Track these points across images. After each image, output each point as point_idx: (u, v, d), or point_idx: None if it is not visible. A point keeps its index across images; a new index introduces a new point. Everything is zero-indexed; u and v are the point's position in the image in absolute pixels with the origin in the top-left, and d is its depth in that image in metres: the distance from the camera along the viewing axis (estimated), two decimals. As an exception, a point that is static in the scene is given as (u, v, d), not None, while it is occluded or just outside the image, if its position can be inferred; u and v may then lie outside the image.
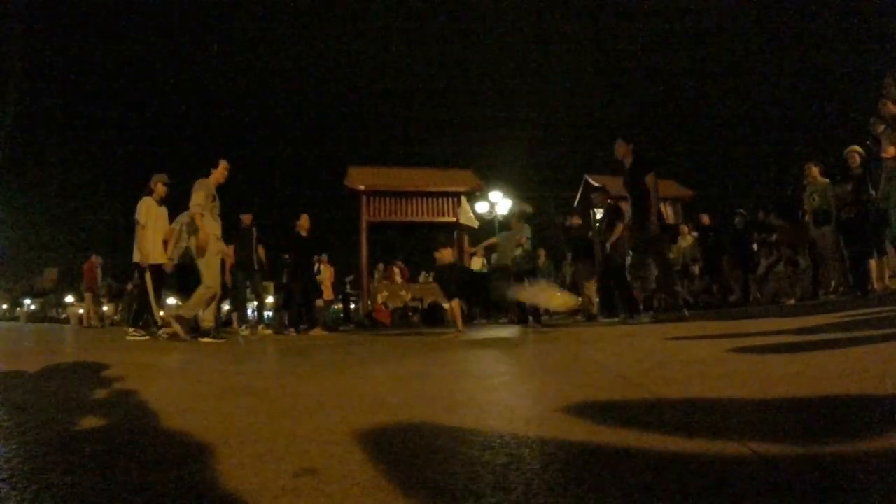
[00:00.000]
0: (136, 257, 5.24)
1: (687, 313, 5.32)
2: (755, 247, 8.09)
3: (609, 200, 6.63)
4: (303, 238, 6.94)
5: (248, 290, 7.58)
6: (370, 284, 11.98)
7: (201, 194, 4.64)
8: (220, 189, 4.92)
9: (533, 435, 1.00)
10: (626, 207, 5.65)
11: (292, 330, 6.58)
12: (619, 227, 6.03)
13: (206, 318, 4.83)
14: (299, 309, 6.93)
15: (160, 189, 5.31)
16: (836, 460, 0.77)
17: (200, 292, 4.67)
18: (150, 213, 5.23)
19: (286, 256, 7.07)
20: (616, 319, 5.95)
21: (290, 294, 6.99)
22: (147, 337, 5.03)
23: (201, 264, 4.66)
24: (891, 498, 0.64)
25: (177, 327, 4.74)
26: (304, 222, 6.96)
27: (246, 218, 7.13)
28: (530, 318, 6.21)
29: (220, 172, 4.90)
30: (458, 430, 1.07)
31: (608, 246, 6.06)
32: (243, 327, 7.27)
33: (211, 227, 4.68)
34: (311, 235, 7.09)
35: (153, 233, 5.22)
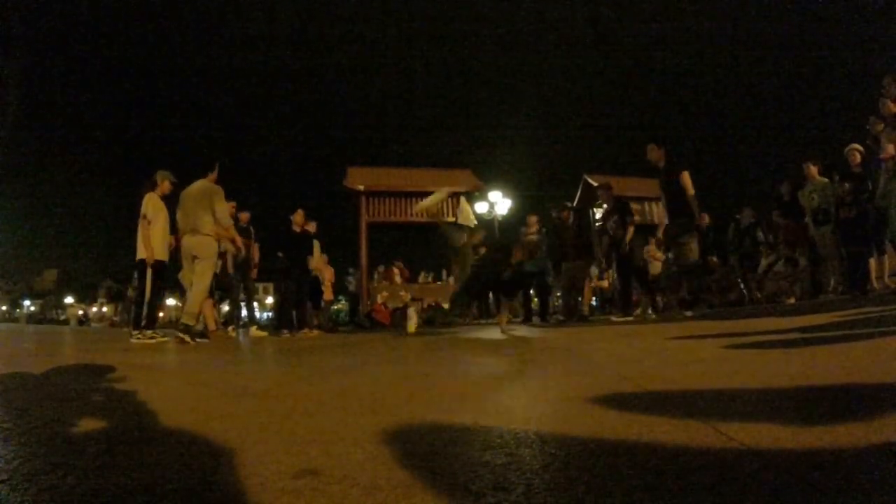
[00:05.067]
0: (142, 253, 5.12)
1: (689, 313, 5.33)
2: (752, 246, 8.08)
3: (615, 197, 6.53)
4: (294, 234, 6.70)
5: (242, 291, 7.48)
6: (370, 285, 11.99)
7: (225, 205, 4.95)
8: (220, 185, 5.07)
9: (532, 435, 1.00)
10: (658, 209, 5.89)
11: (286, 331, 6.48)
12: (632, 226, 6.04)
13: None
14: (292, 309, 6.80)
15: (165, 186, 5.29)
16: (838, 460, 0.77)
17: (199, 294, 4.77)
18: (156, 209, 5.17)
19: (280, 255, 6.81)
20: (654, 316, 5.95)
21: (285, 294, 6.88)
22: (154, 339, 4.93)
23: (205, 267, 4.85)
24: (892, 496, 0.64)
25: (185, 336, 4.62)
26: (297, 218, 6.73)
27: (243, 217, 7.08)
28: (533, 317, 6.24)
29: (214, 178, 5.07)
30: (457, 430, 1.07)
31: (626, 245, 6.05)
32: (230, 328, 7.16)
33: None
34: (303, 232, 6.85)
35: (160, 229, 5.18)
